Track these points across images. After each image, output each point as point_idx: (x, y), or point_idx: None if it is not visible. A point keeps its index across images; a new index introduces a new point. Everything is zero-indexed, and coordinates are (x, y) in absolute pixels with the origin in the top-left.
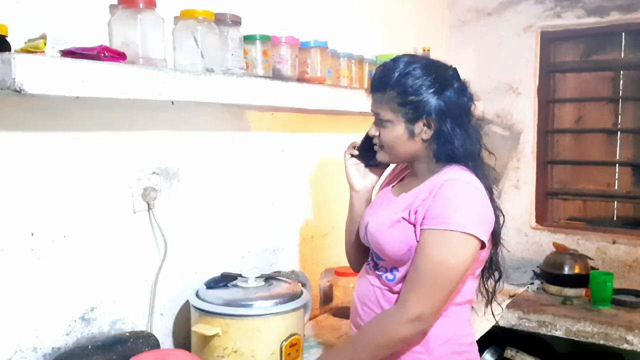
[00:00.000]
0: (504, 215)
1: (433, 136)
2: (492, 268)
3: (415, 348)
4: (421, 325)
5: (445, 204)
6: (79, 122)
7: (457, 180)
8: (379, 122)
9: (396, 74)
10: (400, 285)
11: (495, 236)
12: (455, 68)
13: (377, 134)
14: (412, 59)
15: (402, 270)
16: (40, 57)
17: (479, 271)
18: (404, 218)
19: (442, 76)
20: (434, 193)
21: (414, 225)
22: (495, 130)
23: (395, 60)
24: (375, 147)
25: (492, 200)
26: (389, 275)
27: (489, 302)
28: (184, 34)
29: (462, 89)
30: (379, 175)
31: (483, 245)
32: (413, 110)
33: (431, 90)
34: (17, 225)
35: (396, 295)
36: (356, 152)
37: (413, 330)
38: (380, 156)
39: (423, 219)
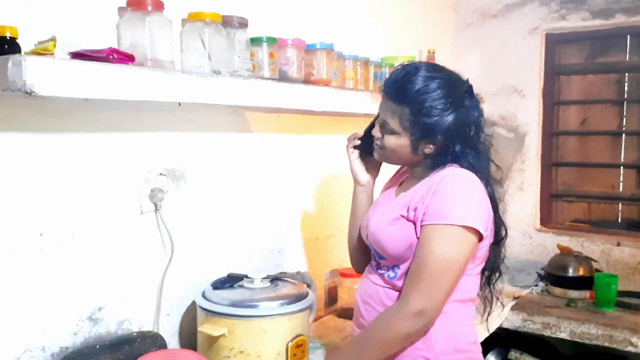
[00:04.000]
0: (506, 230)
1: (439, 150)
2: (492, 269)
3: (416, 345)
4: (424, 319)
5: (444, 199)
6: (88, 124)
7: (454, 175)
8: (385, 129)
9: (414, 90)
10: (402, 281)
11: (497, 242)
12: (470, 84)
13: (380, 136)
14: (432, 72)
15: (402, 267)
16: (50, 59)
17: (479, 269)
18: (402, 216)
19: (458, 96)
20: (433, 189)
21: (414, 223)
22: (500, 132)
23: (416, 70)
24: (375, 146)
25: (496, 213)
26: (391, 274)
27: (488, 312)
28: (191, 36)
29: (473, 105)
30: (379, 168)
31: (481, 238)
32: (422, 130)
33: (445, 113)
34: (26, 225)
35: (398, 293)
36: (358, 142)
37: (416, 325)
38: (377, 156)
39: (423, 215)
